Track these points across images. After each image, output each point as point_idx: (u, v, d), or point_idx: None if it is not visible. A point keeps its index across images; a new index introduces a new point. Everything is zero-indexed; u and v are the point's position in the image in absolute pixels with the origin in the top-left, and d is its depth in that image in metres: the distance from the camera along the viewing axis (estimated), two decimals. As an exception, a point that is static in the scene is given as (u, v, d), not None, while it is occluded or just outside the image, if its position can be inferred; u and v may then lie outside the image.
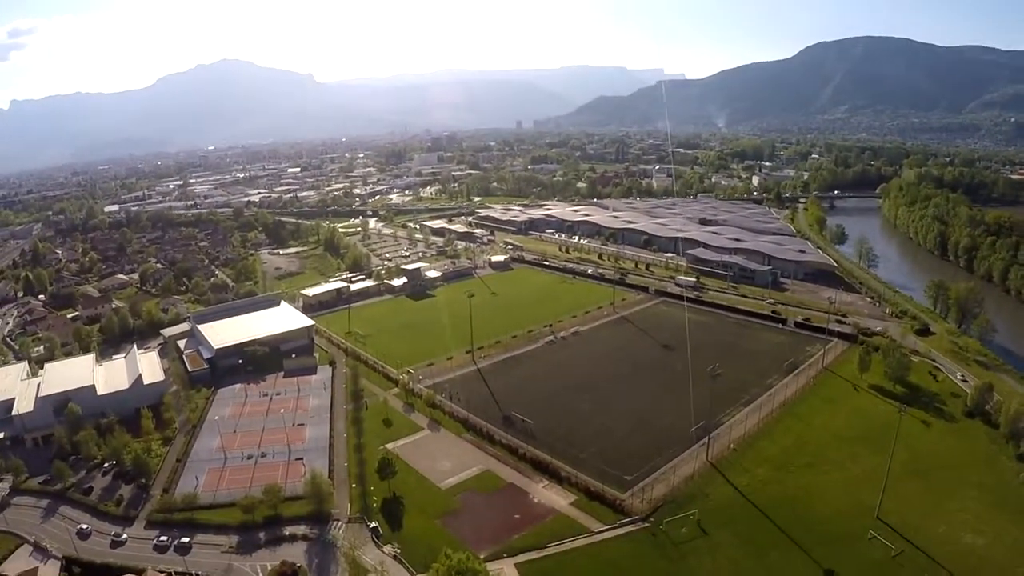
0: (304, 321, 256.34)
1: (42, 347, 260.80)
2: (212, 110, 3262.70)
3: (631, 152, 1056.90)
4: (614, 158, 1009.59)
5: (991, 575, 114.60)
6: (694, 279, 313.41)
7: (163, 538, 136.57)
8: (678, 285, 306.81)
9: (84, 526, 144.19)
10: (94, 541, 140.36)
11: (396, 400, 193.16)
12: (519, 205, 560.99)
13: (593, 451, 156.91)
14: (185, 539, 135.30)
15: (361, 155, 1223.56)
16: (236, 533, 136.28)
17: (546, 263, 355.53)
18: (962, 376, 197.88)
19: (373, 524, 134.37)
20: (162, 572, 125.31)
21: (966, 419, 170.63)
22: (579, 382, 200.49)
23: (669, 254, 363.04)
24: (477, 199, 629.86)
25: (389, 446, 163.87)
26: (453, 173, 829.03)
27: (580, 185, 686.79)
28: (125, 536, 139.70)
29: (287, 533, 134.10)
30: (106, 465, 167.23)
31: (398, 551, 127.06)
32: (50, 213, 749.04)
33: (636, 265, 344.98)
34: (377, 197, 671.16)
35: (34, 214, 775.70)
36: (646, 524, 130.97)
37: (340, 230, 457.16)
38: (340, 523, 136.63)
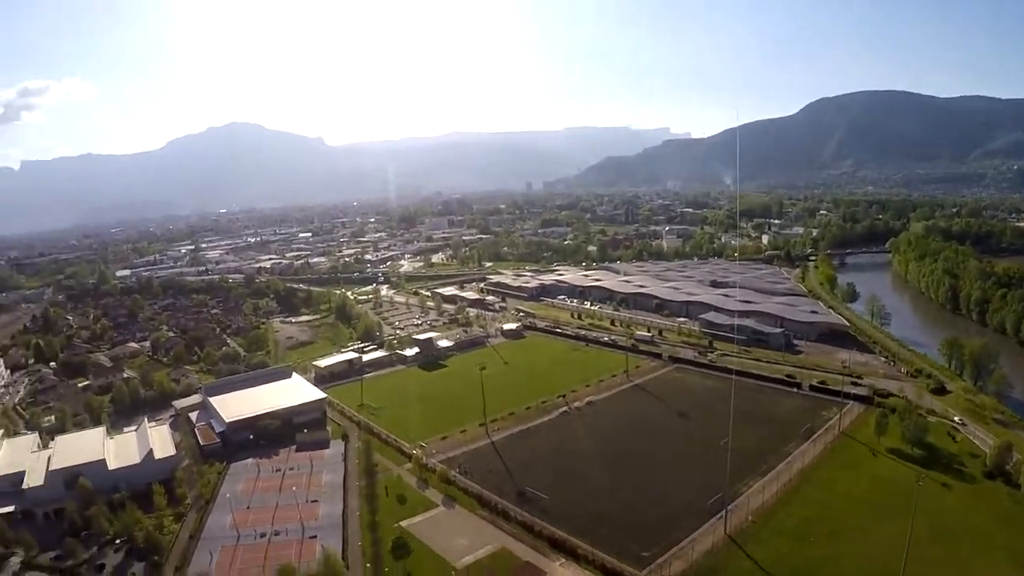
0: (316, 394, 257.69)
1: (52, 417, 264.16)
2: (223, 173, 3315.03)
3: (640, 213, 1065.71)
4: (624, 219, 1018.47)
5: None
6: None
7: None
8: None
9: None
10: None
11: (410, 475, 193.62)
12: (530, 270, 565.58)
13: (610, 526, 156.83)
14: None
15: (372, 219, 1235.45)
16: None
17: (558, 330, 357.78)
18: (981, 436, 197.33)
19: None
20: None
21: (986, 480, 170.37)
22: (594, 454, 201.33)
23: (681, 319, 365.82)
24: (488, 264, 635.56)
25: (403, 524, 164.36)
26: (464, 238, 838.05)
27: (591, 248, 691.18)
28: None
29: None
30: (118, 542, 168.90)
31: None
32: (61, 277, 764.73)
33: (648, 330, 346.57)
34: (389, 263, 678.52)
35: (45, 278, 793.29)
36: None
37: (352, 298, 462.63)
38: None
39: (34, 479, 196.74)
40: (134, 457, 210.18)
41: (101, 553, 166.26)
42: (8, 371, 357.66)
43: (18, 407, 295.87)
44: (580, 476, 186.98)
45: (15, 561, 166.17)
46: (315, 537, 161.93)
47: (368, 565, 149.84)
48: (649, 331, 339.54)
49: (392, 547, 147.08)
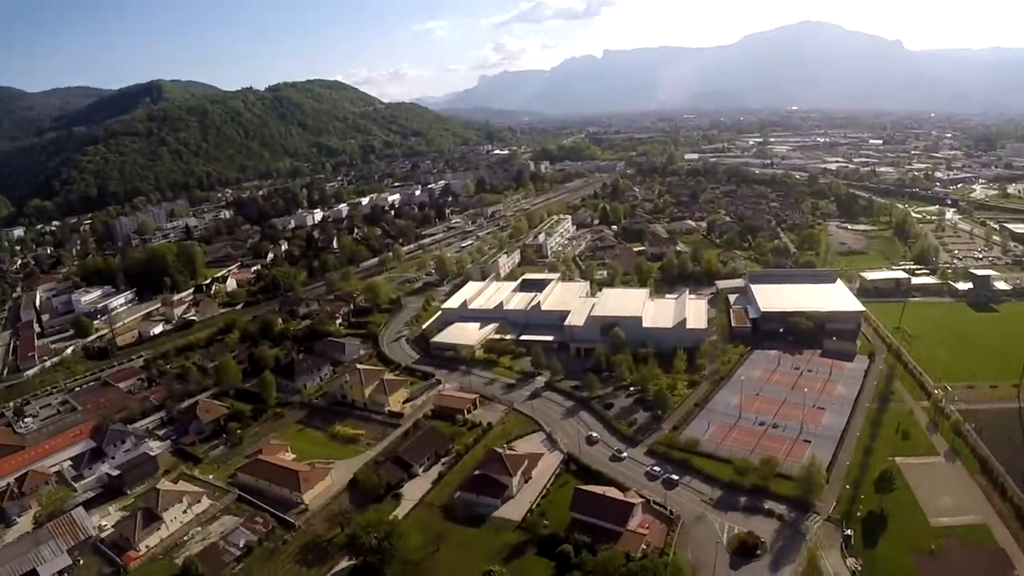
0: (855, 305, 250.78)
1: (604, 272, 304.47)
2: (793, 70, 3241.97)
3: None
4: None
5: None
6: None
7: (656, 468, 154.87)
8: None
9: (594, 434, 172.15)
10: (597, 449, 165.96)
11: (922, 414, 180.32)
12: None
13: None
14: (675, 476, 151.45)
15: (948, 135, 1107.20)
16: (721, 488, 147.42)
17: None
18: None
19: (848, 532, 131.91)
20: (643, 497, 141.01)
21: None
22: None
23: None
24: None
25: (897, 459, 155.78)
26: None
27: None
28: (625, 455, 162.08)
29: (765, 507, 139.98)
30: (631, 389, 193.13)
31: (859, 568, 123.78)
32: (633, 154, 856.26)
33: None
34: (959, 185, 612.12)
35: (618, 153, 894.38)
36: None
37: (914, 215, 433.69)
38: (818, 518, 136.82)
39: (576, 319, 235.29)
40: (668, 322, 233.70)
41: (614, 394, 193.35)
42: (575, 227, 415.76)
43: (577, 258, 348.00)
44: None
45: (540, 380, 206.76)
46: (809, 442, 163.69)
47: (847, 487, 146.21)
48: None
49: (877, 478, 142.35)
